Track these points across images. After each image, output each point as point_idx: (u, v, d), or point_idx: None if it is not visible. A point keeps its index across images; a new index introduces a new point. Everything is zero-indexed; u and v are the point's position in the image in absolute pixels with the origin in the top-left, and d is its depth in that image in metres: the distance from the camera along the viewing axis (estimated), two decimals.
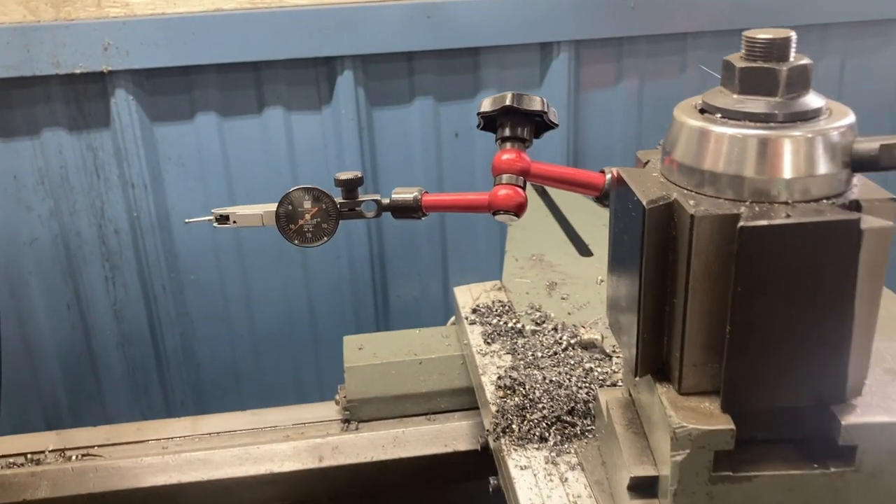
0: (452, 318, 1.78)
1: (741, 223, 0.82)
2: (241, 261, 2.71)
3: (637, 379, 1.02)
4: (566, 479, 1.14)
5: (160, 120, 2.52)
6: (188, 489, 1.47)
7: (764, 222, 0.82)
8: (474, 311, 1.60)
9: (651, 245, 0.89)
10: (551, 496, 1.10)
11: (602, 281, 1.68)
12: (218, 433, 1.60)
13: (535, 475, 1.15)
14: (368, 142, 2.62)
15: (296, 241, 1.14)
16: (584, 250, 1.82)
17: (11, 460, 1.53)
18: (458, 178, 2.71)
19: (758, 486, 0.91)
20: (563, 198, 2.19)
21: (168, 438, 1.59)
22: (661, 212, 0.89)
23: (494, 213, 1.09)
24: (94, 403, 2.83)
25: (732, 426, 0.88)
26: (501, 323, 1.53)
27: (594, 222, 1.97)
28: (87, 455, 1.54)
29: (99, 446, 1.56)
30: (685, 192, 0.91)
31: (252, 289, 2.76)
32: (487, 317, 1.56)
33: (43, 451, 1.54)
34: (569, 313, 1.56)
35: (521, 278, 1.70)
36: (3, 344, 2.39)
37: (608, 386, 1.30)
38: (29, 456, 1.54)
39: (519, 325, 1.51)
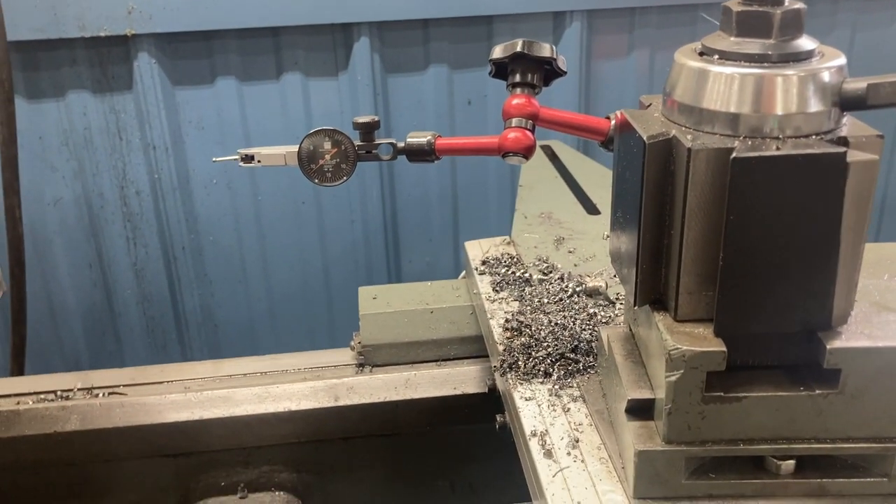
0: (463, 273, 1.84)
1: (734, 155, 0.88)
2: (259, 223, 2.78)
3: (636, 310, 1.08)
4: (568, 409, 1.20)
5: (181, 84, 2.59)
6: (210, 425, 1.55)
7: (755, 154, 0.87)
8: (484, 262, 1.66)
9: (651, 179, 0.95)
10: (554, 424, 1.17)
11: (607, 236, 1.73)
12: (238, 375, 1.67)
13: (538, 405, 1.22)
14: (383, 108, 2.68)
15: (315, 180, 1.20)
16: (591, 209, 1.88)
17: (42, 396, 1.61)
18: None
19: (747, 407, 0.97)
20: (572, 160, 2.25)
21: (190, 379, 1.66)
22: (660, 147, 0.94)
23: (504, 155, 1.15)
24: (114, 360, 2.92)
25: (724, 348, 0.94)
26: (510, 273, 1.59)
27: (601, 183, 2.03)
28: (114, 393, 1.61)
29: (124, 385, 1.64)
30: (684, 129, 0.96)
31: (269, 251, 2.83)
32: (496, 267, 1.63)
33: (71, 389, 1.62)
34: (575, 265, 1.62)
35: (529, 234, 1.76)
36: (27, 301, 2.48)
37: (609, 325, 1.36)
38: (58, 392, 1.61)
39: (527, 275, 1.57)
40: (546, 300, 1.47)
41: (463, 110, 2.73)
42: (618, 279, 1.53)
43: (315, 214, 2.80)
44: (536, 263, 1.62)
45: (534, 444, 1.14)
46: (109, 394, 1.61)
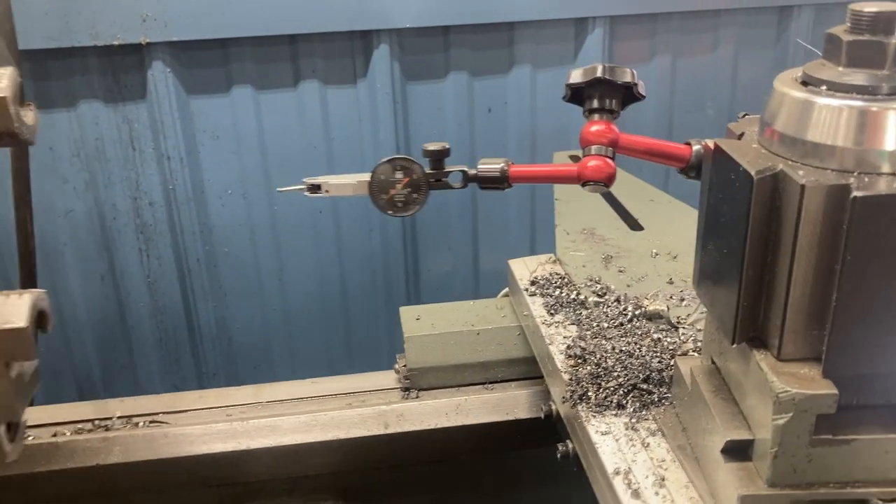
0: (504, 291, 1.81)
1: (854, 193, 0.84)
2: (275, 234, 2.73)
3: (731, 346, 1.04)
4: (647, 444, 1.17)
5: (196, 92, 2.53)
6: (256, 455, 1.50)
7: (877, 192, 0.84)
8: (533, 282, 1.62)
9: (757, 215, 0.92)
10: (636, 460, 1.13)
11: (657, 254, 1.70)
12: (281, 401, 1.62)
13: (616, 440, 1.18)
14: (402, 116, 2.63)
15: (389, 212, 1.15)
16: (634, 225, 1.85)
17: (79, 426, 1.56)
18: (490, 154, 2.69)
19: (856, 449, 0.94)
20: None
21: (231, 406, 1.61)
22: (768, 182, 0.91)
23: (584, 184, 1.11)
24: (126, 374, 2.86)
25: (835, 391, 0.90)
26: (563, 294, 1.55)
27: (639, 196, 1.99)
28: (154, 422, 1.56)
29: (164, 413, 1.59)
30: (790, 162, 0.93)
31: (285, 262, 2.78)
32: (547, 288, 1.59)
33: (111, 418, 1.57)
34: (628, 286, 1.58)
35: (575, 251, 1.72)
36: None
37: (679, 355, 1.32)
38: (97, 422, 1.56)
39: (581, 297, 1.54)
40: (605, 324, 1.44)
41: (483, 118, 2.68)
42: (675, 301, 1.51)
43: (332, 224, 2.75)
44: (588, 284, 1.58)
45: (618, 483, 1.10)
46: (150, 422, 1.56)
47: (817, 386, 0.92)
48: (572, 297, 1.54)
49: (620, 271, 1.64)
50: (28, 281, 2.44)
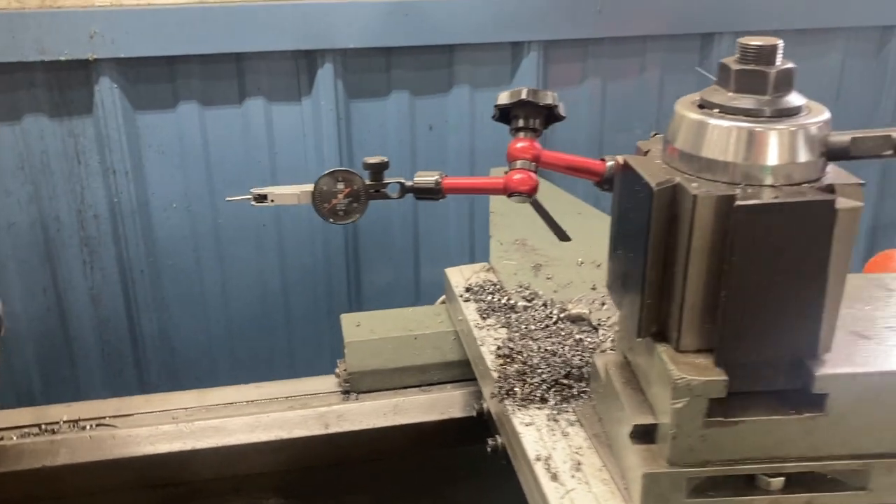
0: (441, 298, 1.90)
1: (737, 202, 0.97)
2: (219, 247, 2.78)
3: (636, 341, 1.16)
4: (567, 434, 1.27)
5: (143, 108, 2.58)
6: (203, 455, 1.56)
7: (756, 201, 0.97)
8: (468, 289, 1.73)
9: (657, 221, 1.03)
10: (556, 448, 1.24)
11: (581, 262, 1.82)
12: (225, 404, 1.68)
13: (539, 430, 1.28)
14: (346, 132, 2.72)
15: (330, 220, 1.24)
16: (562, 236, 1.96)
17: (25, 430, 1.60)
18: (430, 169, 2.82)
19: (743, 430, 1.06)
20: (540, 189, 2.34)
21: (176, 409, 1.67)
22: (666, 193, 1.03)
23: (510, 195, 1.22)
24: (67, 386, 2.86)
25: (726, 377, 1.02)
26: (494, 300, 1.66)
27: (568, 210, 2.11)
28: (101, 425, 1.61)
29: (111, 416, 1.64)
30: (686, 176, 1.05)
31: (228, 274, 2.83)
32: (480, 294, 1.69)
33: (57, 422, 1.61)
34: (555, 291, 1.69)
35: (507, 260, 1.83)
36: None
37: (600, 352, 1.44)
38: (43, 426, 1.60)
39: (511, 302, 1.64)
40: (533, 327, 1.55)
41: (424, 135, 2.79)
42: (597, 305, 1.62)
43: (275, 236, 2.82)
44: (519, 290, 1.69)
45: (539, 468, 1.20)
46: (97, 425, 1.61)
47: (710, 373, 1.03)
48: (503, 301, 1.65)
49: (548, 278, 1.76)
50: None
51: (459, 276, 1.80)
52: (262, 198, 1.23)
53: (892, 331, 1.13)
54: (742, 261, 0.99)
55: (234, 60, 2.58)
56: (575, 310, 1.57)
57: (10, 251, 2.66)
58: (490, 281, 1.75)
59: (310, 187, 1.23)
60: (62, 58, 2.41)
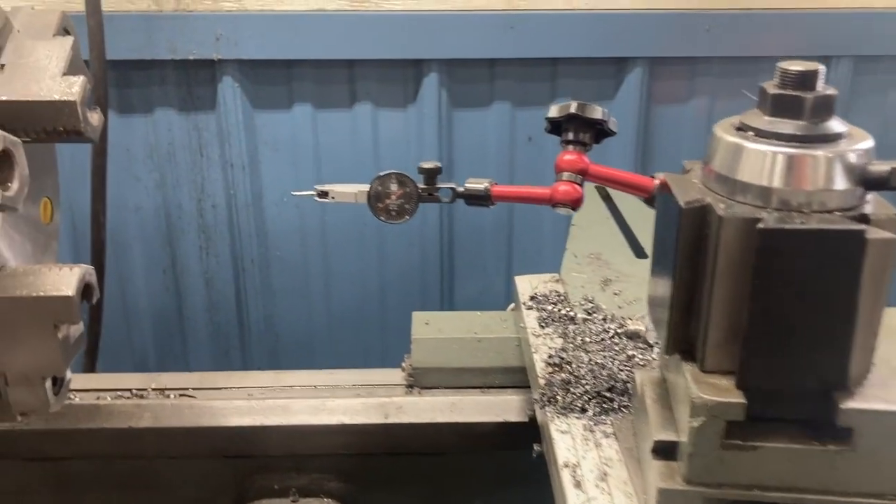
0: (512, 305, 1.95)
1: (760, 225, 0.97)
2: (324, 241, 2.93)
3: (668, 359, 1.17)
4: (600, 444, 1.29)
5: (260, 107, 2.76)
6: (269, 431, 1.68)
7: (779, 226, 0.96)
8: (532, 298, 1.76)
9: (685, 240, 1.05)
10: (585, 457, 1.26)
11: None
12: (297, 386, 1.80)
13: (573, 438, 1.31)
14: (447, 140, 2.80)
15: (382, 217, 1.32)
16: (639, 252, 1.97)
17: (119, 393, 1.76)
18: (528, 180, 2.85)
19: (763, 456, 1.05)
20: (625, 202, 2.34)
21: (253, 387, 1.79)
22: (695, 212, 1.04)
23: (554, 206, 1.26)
24: (178, 362, 3.09)
25: (743, 400, 1.02)
26: (556, 310, 1.69)
27: (651, 228, 2.11)
28: (184, 395, 1.76)
29: (193, 388, 1.78)
30: (718, 197, 1.06)
31: (331, 268, 2.98)
32: (543, 304, 1.73)
33: (146, 389, 1.77)
34: (619, 307, 1.70)
35: (578, 273, 1.85)
36: (104, 298, 2.66)
37: (644, 368, 1.44)
38: (134, 391, 1.76)
39: (572, 314, 1.67)
40: (588, 339, 1.57)
41: (523, 146, 2.84)
42: None
43: (376, 238, 2.94)
44: (582, 303, 1.71)
45: (565, 474, 1.23)
46: (180, 395, 1.76)
47: (729, 395, 1.03)
48: (564, 312, 1.67)
49: (616, 294, 1.77)
50: (97, 269, 2.69)
51: (527, 285, 1.83)
52: (324, 194, 1.33)
53: None
54: (764, 285, 0.99)
55: (346, 66, 2.72)
56: (633, 326, 1.58)
57: (136, 232, 2.90)
58: (556, 291, 1.78)
59: (366, 187, 1.31)
60: (190, 57, 2.62)
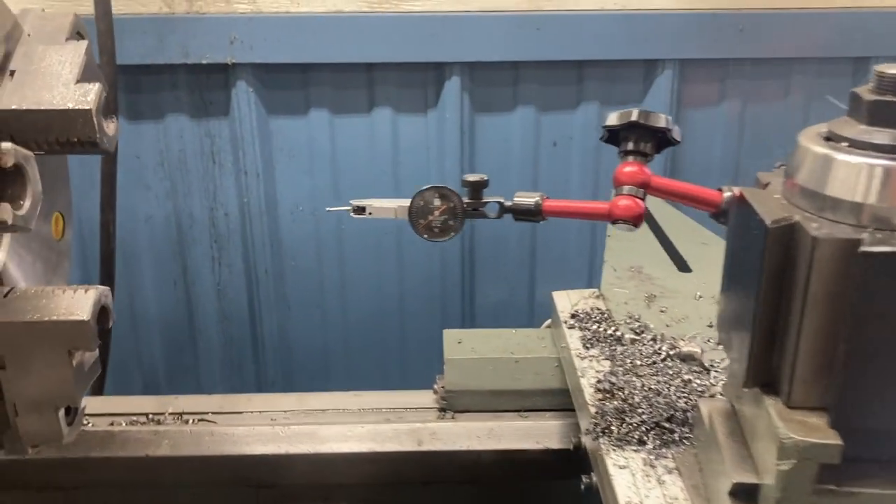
0: (547, 322, 1.84)
1: (863, 248, 0.86)
2: (340, 251, 2.83)
3: (743, 391, 1.06)
4: (663, 482, 1.19)
5: (276, 113, 2.66)
6: (294, 460, 1.57)
7: (886, 248, 0.86)
8: (573, 315, 1.66)
9: (771, 264, 0.94)
10: (649, 496, 1.16)
11: (700, 297, 1.72)
12: (323, 410, 1.69)
13: (633, 475, 1.21)
14: (469, 146, 2.70)
15: (425, 236, 1.22)
16: (682, 266, 1.86)
17: (134, 418, 1.66)
18: (553, 186, 2.77)
19: (861, 502, 0.95)
20: (661, 211, 2.24)
21: (276, 411, 1.69)
22: (782, 232, 0.93)
23: (614, 222, 1.15)
24: (189, 375, 2.99)
25: (840, 441, 0.92)
26: (601, 329, 1.58)
27: (692, 239, 2.00)
28: (203, 420, 1.65)
29: (213, 413, 1.68)
30: (807, 214, 0.95)
31: (347, 279, 2.88)
32: (586, 322, 1.62)
33: (163, 413, 1.67)
34: (667, 325, 1.60)
35: (619, 288, 1.75)
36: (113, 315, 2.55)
37: (707, 397, 1.34)
38: (150, 416, 1.66)
39: (618, 333, 1.56)
40: (639, 362, 1.46)
41: (548, 151, 2.73)
42: (712, 345, 1.52)
43: (394, 246, 2.83)
44: (628, 321, 1.61)
45: None
46: (199, 420, 1.66)
47: (823, 435, 0.93)
48: (609, 332, 1.57)
49: (662, 311, 1.66)
50: (107, 280, 2.60)
51: (566, 301, 1.73)
52: (360, 210, 1.22)
53: None
54: (865, 313, 0.88)
55: (364, 70, 2.62)
56: (686, 348, 1.48)
57: (146, 243, 2.80)
58: (598, 309, 1.67)
59: (407, 202, 1.21)
60: (204, 61, 2.52)
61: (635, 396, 1.35)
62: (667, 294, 1.73)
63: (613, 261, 1.88)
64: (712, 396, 1.34)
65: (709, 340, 1.54)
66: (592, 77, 2.64)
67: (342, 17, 2.52)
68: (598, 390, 1.40)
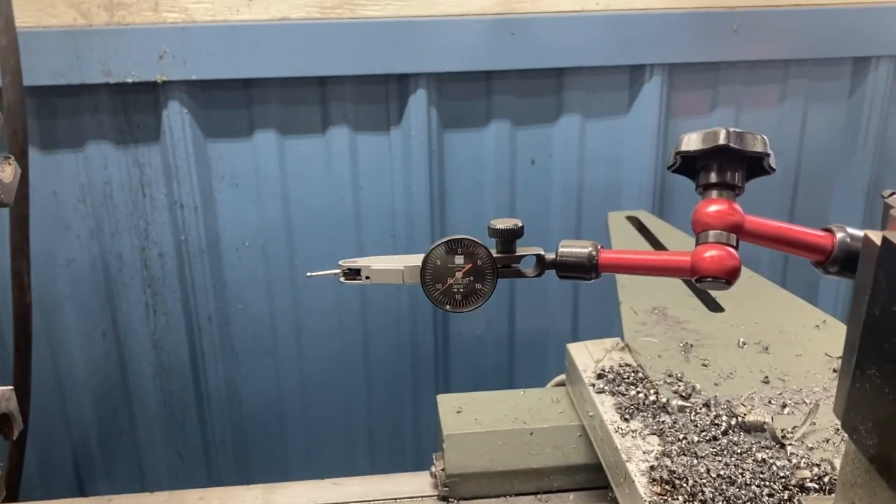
0: (558, 378, 1.55)
1: None
2: (294, 291, 2.49)
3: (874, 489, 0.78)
4: None
5: (215, 136, 2.31)
6: None
7: None
8: (600, 376, 1.37)
9: None
10: None
11: (744, 343, 1.44)
12: None
13: None
14: (438, 166, 2.40)
15: (447, 307, 0.91)
16: (712, 305, 1.59)
17: None
18: (531, 209, 2.49)
19: None
20: (664, 233, 1.98)
21: None
22: None
23: (699, 280, 0.86)
24: (126, 439, 2.61)
25: None
26: (639, 394, 1.29)
27: None
28: None
29: None
30: None
31: (304, 321, 2.54)
32: (619, 385, 1.33)
33: None
34: (715, 384, 1.32)
35: (647, 336, 1.47)
36: (32, 371, 2.18)
37: (797, 487, 1.06)
38: None
39: (661, 399, 1.28)
40: (696, 438, 1.17)
41: (525, 170, 2.45)
42: (775, 407, 1.24)
43: None
44: (668, 381, 1.33)
45: None
46: None
47: None
48: (650, 398, 1.28)
49: (704, 364, 1.38)
50: (21, 338, 2.21)
51: (587, 356, 1.44)
52: (354, 273, 0.91)
53: None
54: None
55: (316, 84, 2.30)
56: (750, 416, 1.20)
57: (68, 290, 2.42)
58: (628, 365, 1.39)
59: (417, 261, 0.90)
60: (129, 80, 2.17)
61: (705, 488, 1.06)
62: (703, 342, 1.45)
63: (631, 301, 1.60)
64: (803, 486, 1.05)
65: (770, 402, 1.26)
66: (573, 86, 2.37)
67: (289, 24, 2.19)
68: (654, 480, 1.10)
